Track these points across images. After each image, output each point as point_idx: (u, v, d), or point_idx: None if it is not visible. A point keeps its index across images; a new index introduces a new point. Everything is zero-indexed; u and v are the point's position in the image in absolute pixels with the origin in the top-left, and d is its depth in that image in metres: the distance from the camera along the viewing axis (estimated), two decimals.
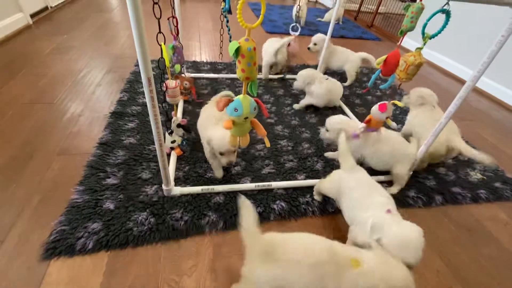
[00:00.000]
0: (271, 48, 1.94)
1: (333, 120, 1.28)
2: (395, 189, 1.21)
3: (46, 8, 2.79)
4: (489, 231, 1.13)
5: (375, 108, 1.11)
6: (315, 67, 2.07)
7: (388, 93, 2.08)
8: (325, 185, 1.07)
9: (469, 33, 2.48)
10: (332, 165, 1.32)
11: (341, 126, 1.23)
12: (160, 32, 0.87)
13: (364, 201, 0.91)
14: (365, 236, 0.82)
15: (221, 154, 1.06)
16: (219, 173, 1.16)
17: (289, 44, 1.95)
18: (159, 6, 0.81)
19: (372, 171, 1.30)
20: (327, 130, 1.29)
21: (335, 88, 1.74)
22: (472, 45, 2.47)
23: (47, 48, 2.11)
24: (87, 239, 0.88)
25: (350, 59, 2.05)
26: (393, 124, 1.19)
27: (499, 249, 1.06)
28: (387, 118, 1.11)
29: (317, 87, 1.66)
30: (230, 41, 0.74)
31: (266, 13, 3.68)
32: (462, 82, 2.50)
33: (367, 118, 1.15)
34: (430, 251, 1.02)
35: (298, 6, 2.12)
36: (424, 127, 1.31)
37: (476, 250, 1.05)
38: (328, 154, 1.37)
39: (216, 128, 1.08)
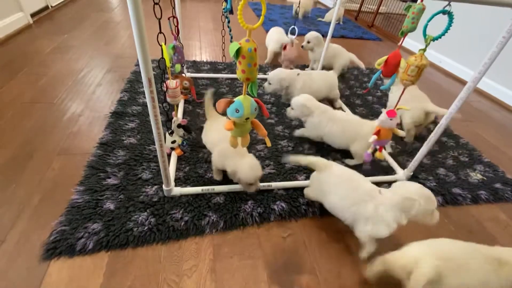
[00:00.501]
0: (276, 35, 2.00)
1: (297, 99, 1.36)
2: (352, 162, 1.35)
3: (46, 7, 2.79)
4: (489, 232, 1.13)
5: (383, 117, 1.03)
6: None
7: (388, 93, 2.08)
8: (310, 193, 1.07)
9: (470, 34, 2.47)
10: None
11: (305, 102, 1.33)
12: (160, 32, 0.87)
13: (357, 192, 0.91)
14: (387, 226, 0.85)
15: (249, 184, 1.03)
16: (219, 177, 1.17)
17: (285, 47, 1.94)
18: (159, 6, 0.81)
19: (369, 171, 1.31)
20: (292, 109, 1.38)
21: (317, 80, 1.66)
22: (473, 46, 2.47)
23: (48, 47, 2.11)
24: (87, 240, 0.88)
25: (343, 55, 2.07)
26: (401, 132, 1.10)
27: None
28: (396, 125, 1.04)
29: (294, 88, 1.61)
30: (231, 42, 0.74)
31: (266, 12, 3.68)
32: (462, 82, 2.50)
33: (376, 129, 1.06)
34: None
35: (298, 5, 2.11)
36: (406, 102, 1.37)
37: None
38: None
39: (238, 157, 1.04)
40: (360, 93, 2.05)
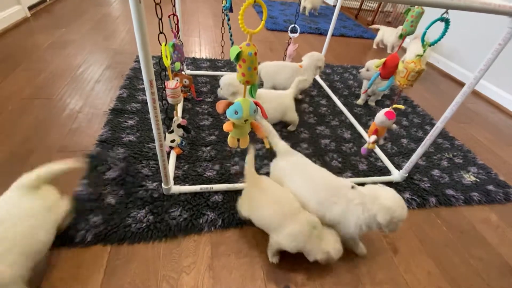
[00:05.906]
0: None
1: (224, 78, 1.42)
2: (293, 128, 1.55)
3: (44, 0, 2.75)
4: (480, 234, 1.16)
5: (382, 118, 1.06)
6: None
7: (386, 94, 2.09)
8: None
9: (469, 36, 2.49)
10: (330, 166, 1.34)
11: (230, 81, 1.39)
12: (161, 32, 0.87)
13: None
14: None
15: None
16: (276, 259, 0.94)
17: (287, 47, 1.94)
18: (160, 6, 0.81)
19: (368, 171, 1.33)
20: (221, 88, 1.45)
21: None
22: (472, 48, 2.48)
23: (46, 42, 2.09)
24: (87, 232, 0.90)
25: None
26: (394, 126, 1.18)
27: (489, 251, 1.09)
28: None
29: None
30: (230, 40, 0.74)
31: (267, 9, 3.65)
32: (461, 84, 2.52)
33: (374, 129, 1.10)
34: (422, 253, 1.04)
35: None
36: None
37: (467, 252, 1.08)
38: None
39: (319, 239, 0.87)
40: (358, 93, 2.06)
